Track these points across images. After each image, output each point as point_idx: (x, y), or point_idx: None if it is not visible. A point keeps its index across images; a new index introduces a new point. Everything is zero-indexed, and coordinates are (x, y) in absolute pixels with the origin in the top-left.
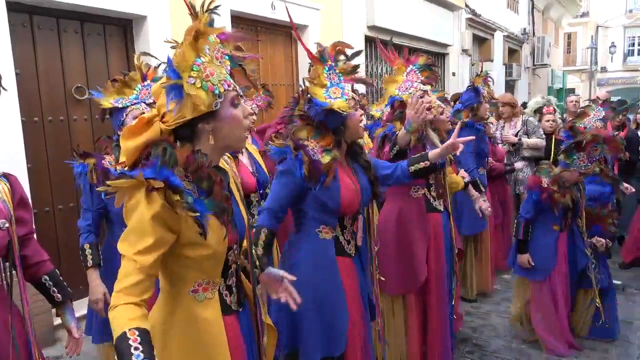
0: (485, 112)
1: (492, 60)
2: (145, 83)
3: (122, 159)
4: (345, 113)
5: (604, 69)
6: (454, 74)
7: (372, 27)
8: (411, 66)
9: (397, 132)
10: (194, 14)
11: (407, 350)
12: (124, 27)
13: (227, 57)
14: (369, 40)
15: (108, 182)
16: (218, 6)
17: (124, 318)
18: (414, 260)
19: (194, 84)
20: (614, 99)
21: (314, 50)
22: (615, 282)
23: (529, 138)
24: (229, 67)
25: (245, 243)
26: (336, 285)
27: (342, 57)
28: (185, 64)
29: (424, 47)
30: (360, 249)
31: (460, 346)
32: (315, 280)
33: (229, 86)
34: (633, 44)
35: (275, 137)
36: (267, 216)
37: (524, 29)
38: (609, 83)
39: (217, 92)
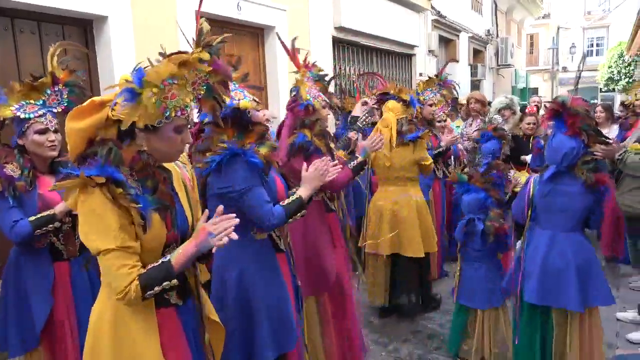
0: (428, 114)
1: (457, 61)
2: (56, 88)
3: (68, 142)
4: (249, 112)
5: (565, 69)
6: (420, 75)
7: (339, 28)
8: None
9: (312, 142)
10: (196, 42)
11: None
12: (84, 27)
13: (205, 86)
14: (336, 41)
15: (56, 183)
16: (221, 43)
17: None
18: (320, 260)
19: (150, 98)
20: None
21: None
22: None
23: None
24: (200, 95)
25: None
26: (283, 283)
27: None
28: (155, 81)
29: (391, 48)
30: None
31: (428, 342)
32: (264, 282)
33: (182, 114)
34: (592, 45)
35: (204, 149)
36: (275, 208)
37: (488, 30)
38: (570, 82)
39: (167, 114)
